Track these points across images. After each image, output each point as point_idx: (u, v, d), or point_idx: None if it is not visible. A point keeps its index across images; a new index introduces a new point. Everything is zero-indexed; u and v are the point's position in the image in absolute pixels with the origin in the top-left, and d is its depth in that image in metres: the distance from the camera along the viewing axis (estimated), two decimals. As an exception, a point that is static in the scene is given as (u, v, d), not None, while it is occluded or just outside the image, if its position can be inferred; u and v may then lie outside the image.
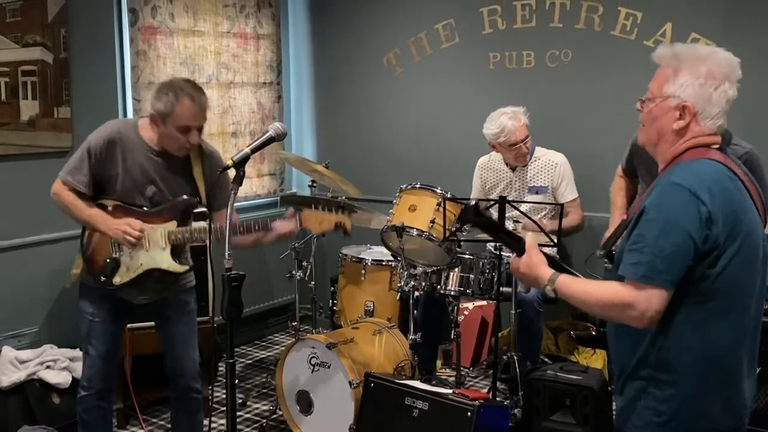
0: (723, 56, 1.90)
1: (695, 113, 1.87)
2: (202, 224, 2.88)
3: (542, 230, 3.39)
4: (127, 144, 2.84)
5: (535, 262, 2.01)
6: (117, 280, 2.89)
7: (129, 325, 3.29)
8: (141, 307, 3.02)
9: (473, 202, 2.07)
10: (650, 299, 1.77)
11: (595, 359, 4.16)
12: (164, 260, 2.88)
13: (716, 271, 1.80)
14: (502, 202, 3.36)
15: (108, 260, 2.89)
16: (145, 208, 2.88)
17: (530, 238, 2.06)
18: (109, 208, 2.86)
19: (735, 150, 2.97)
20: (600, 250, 2.20)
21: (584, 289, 1.91)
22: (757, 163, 3.07)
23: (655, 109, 1.92)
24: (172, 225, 2.87)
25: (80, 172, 2.83)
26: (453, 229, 3.48)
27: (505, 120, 3.92)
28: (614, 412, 3.45)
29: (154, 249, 2.87)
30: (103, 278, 2.90)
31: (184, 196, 2.90)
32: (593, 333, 4.31)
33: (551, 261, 2.04)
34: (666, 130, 1.91)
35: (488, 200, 3.89)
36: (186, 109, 2.74)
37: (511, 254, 3.47)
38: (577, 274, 2.02)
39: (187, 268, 2.95)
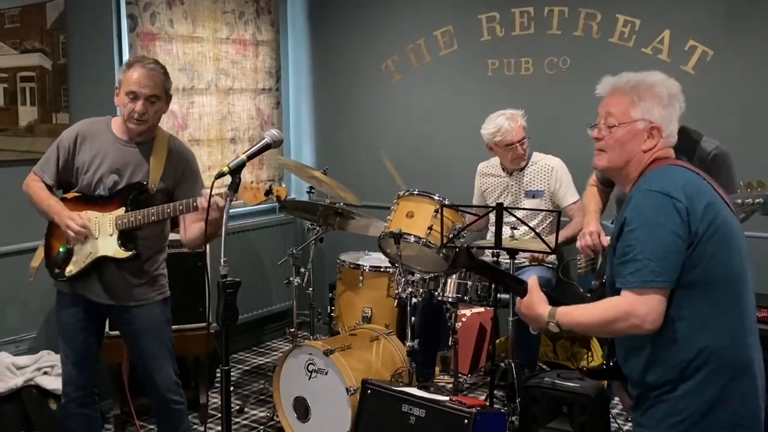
0: (671, 80, 2.06)
1: (662, 133, 1.99)
2: (152, 209, 2.83)
3: (538, 236, 3.40)
4: (96, 135, 2.93)
5: (535, 300, 2.06)
6: (69, 269, 2.91)
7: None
8: (109, 311, 2.99)
9: (465, 245, 2.09)
10: (649, 302, 1.83)
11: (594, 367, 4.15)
12: (110, 246, 2.87)
13: (703, 261, 1.86)
14: (500, 208, 3.36)
15: (61, 249, 2.93)
16: (102, 197, 2.90)
17: (532, 280, 2.09)
18: (68, 199, 2.93)
19: (705, 146, 3.05)
20: (594, 281, 2.24)
21: (584, 313, 1.97)
22: (724, 157, 3.10)
23: (624, 134, 2.02)
24: (120, 211, 2.87)
25: (48, 164, 2.95)
26: (451, 235, 3.48)
27: (502, 120, 3.95)
28: (612, 420, 3.46)
29: (102, 236, 2.88)
30: (57, 270, 2.94)
31: (134, 182, 2.90)
32: (603, 366, 4.29)
33: (551, 300, 2.06)
34: (635, 152, 2.01)
35: (486, 207, 3.89)
36: (135, 75, 2.82)
37: (508, 261, 3.50)
38: (576, 285, 2.04)
39: (130, 254, 2.87)
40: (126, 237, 2.88)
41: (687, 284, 1.86)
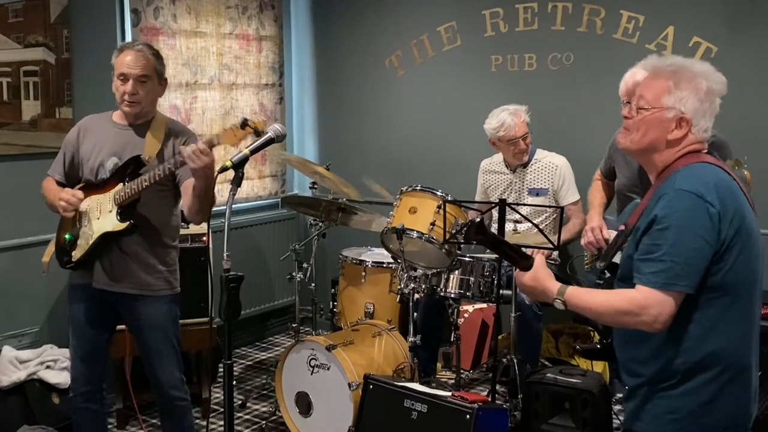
0: (717, 74, 1.98)
1: (691, 125, 1.94)
2: (144, 175, 2.83)
3: (542, 232, 3.39)
4: (97, 126, 3.02)
5: (542, 275, 2.03)
6: (75, 254, 2.94)
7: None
8: (117, 302, 2.98)
9: (477, 219, 2.06)
10: (665, 304, 1.82)
11: (596, 363, 4.15)
12: (110, 222, 2.88)
13: (725, 268, 1.85)
14: (502, 204, 3.36)
15: (66, 236, 2.97)
16: (104, 180, 2.93)
17: (540, 258, 2.07)
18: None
19: None
20: (600, 262, 2.21)
21: (595, 298, 1.95)
22: (721, 146, 3.10)
23: (651, 118, 1.96)
24: (119, 187, 2.89)
25: (57, 163, 3.05)
26: (453, 231, 3.48)
27: (506, 116, 3.96)
28: (614, 416, 3.47)
29: (103, 215, 2.90)
30: (65, 258, 2.97)
31: (130, 157, 2.92)
32: (598, 346, 4.30)
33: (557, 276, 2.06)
34: (660, 140, 1.96)
35: (489, 203, 3.89)
36: (125, 58, 2.89)
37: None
38: (582, 281, 2.02)
39: (127, 224, 2.85)
40: (125, 211, 2.88)
41: (705, 288, 1.85)
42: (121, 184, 2.88)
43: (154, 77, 2.93)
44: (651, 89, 1.97)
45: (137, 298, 2.96)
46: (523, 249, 2.13)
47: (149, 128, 2.96)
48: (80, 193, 2.91)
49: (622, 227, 2.11)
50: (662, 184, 1.93)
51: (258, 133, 2.62)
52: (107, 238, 2.89)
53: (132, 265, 2.93)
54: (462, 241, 3.54)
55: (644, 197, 2.02)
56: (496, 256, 3.56)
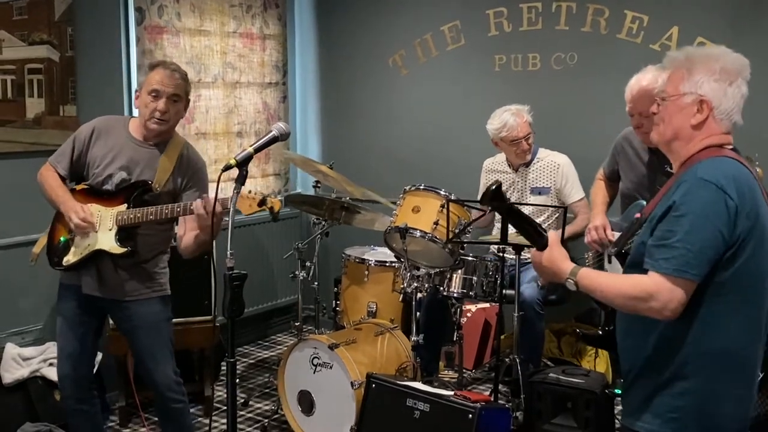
0: (734, 55, 1.99)
1: (712, 108, 1.93)
2: (151, 208, 2.84)
3: (545, 232, 3.39)
4: (112, 132, 2.98)
5: (557, 256, 2.05)
6: (67, 259, 2.93)
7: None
8: (107, 305, 2.99)
9: (494, 186, 2.04)
10: (675, 291, 1.82)
11: (598, 363, 4.15)
12: (107, 241, 2.88)
13: (736, 264, 1.85)
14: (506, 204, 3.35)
15: (62, 239, 2.97)
16: (108, 191, 2.93)
17: (554, 235, 2.07)
18: (77, 191, 2.96)
19: None
20: (612, 248, 2.21)
21: (607, 281, 1.95)
22: None
23: (672, 106, 1.97)
24: (122, 207, 2.89)
25: (63, 156, 3.00)
26: (456, 231, 3.48)
27: (508, 116, 3.96)
28: (616, 415, 3.46)
29: (102, 230, 2.89)
30: (55, 258, 2.96)
31: (139, 180, 2.92)
32: (599, 333, 4.30)
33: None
34: (683, 127, 1.96)
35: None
36: (157, 75, 2.90)
37: (514, 257, 3.48)
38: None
39: (125, 250, 2.86)
40: (125, 233, 2.89)
41: (714, 283, 1.85)
42: (125, 204, 2.88)
43: (184, 99, 2.95)
44: (671, 81, 1.99)
45: (128, 302, 2.96)
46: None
47: (164, 151, 2.95)
48: (90, 213, 2.86)
49: (638, 215, 2.10)
50: (683, 173, 1.92)
51: (272, 213, 2.62)
52: (101, 253, 2.89)
53: (123, 277, 2.94)
54: (464, 240, 3.55)
55: (664, 186, 2.01)
56: (498, 254, 3.57)
